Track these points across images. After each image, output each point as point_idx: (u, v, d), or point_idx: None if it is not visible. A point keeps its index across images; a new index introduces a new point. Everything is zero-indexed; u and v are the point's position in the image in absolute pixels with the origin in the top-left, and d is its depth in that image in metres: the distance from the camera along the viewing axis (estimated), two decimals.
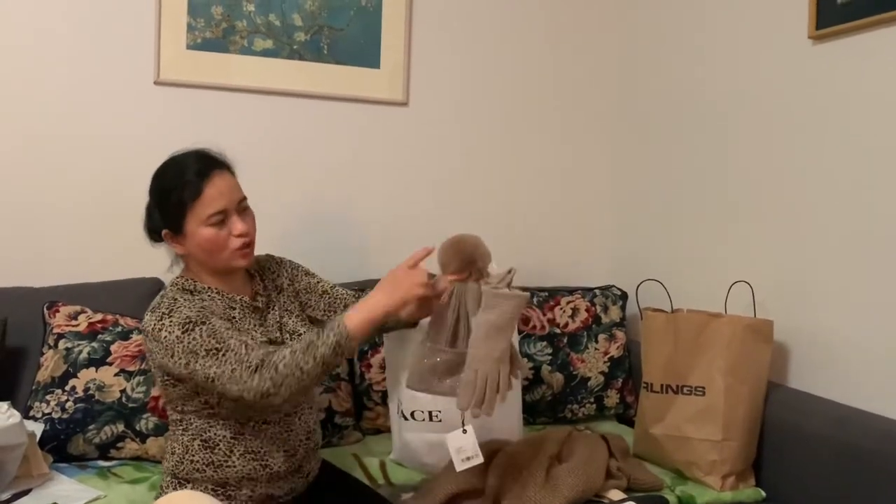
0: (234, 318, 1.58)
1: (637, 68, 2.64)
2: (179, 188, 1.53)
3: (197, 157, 1.58)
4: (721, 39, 2.26)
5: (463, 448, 1.56)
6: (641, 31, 2.61)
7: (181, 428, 1.58)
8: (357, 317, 1.47)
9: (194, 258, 1.59)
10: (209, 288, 1.59)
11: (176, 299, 1.52)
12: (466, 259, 1.61)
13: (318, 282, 1.77)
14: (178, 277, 1.62)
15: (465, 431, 1.56)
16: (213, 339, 1.45)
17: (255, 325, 1.61)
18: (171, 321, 1.47)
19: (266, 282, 1.71)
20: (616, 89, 2.72)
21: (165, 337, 1.47)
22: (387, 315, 1.51)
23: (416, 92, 2.53)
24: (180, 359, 1.46)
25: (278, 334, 1.64)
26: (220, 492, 1.55)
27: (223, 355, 1.44)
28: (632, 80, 2.66)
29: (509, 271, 1.57)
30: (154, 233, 1.62)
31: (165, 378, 1.54)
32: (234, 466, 1.55)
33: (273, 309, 1.67)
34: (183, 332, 1.46)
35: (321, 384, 2.05)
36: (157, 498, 1.61)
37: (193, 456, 1.55)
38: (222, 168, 1.58)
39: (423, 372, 1.61)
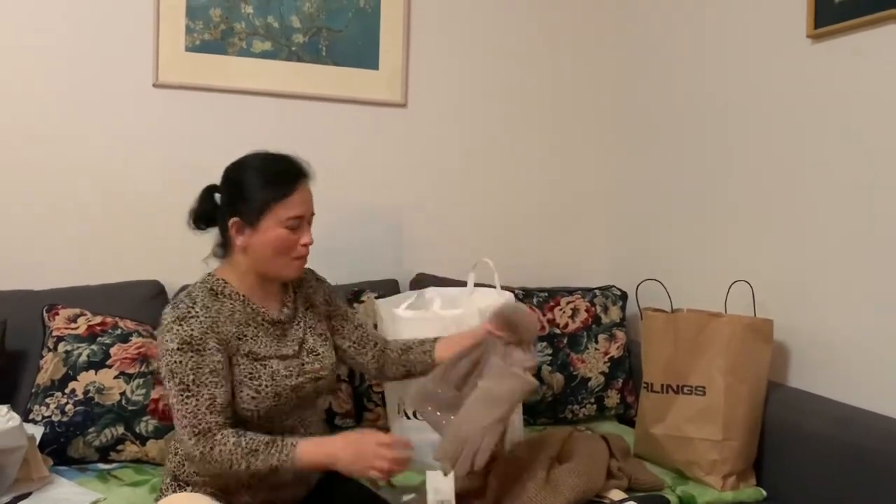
0: (246, 334, 1.55)
1: (635, 68, 2.64)
2: (271, 184, 1.54)
3: (291, 161, 1.60)
4: (720, 39, 2.26)
5: (440, 490, 1.58)
6: (640, 33, 2.61)
7: None
8: (314, 456, 1.48)
9: (250, 255, 1.56)
10: (237, 293, 1.58)
11: (195, 305, 1.51)
12: (513, 325, 1.67)
13: (354, 312, 1.80)
14: (208, 276, 1.61)
15: (445, 475, 1.56)
16: (193, 375, 1.46)
17: (270, 341, 1.59)
18: (178, 329, 1.48)
19: (298, 295, 1.69)
20: (615, 89, 2.72)
21: (165, 341, 1.49)
22: (338, 468, 1.50)
23: (415, 93, 2.53)
24: (163, 367, 1.50)
25: (296, 349, 1.62)
26: (220, 497, 1.54)
27: (187, 399, 1.46)
28: (630, 81, 2.66)
29: (532, 366, 1.63)
30: (205, 219, 1.61)
31: None
32: (237, 473, 1.52)
33: (298, 324, 1.65)
34: (177, 348, 1.47)
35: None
36: (157, 500, 1.61)
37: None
38: (308, 178, 1.60)
39: (423, 395, 1.64)
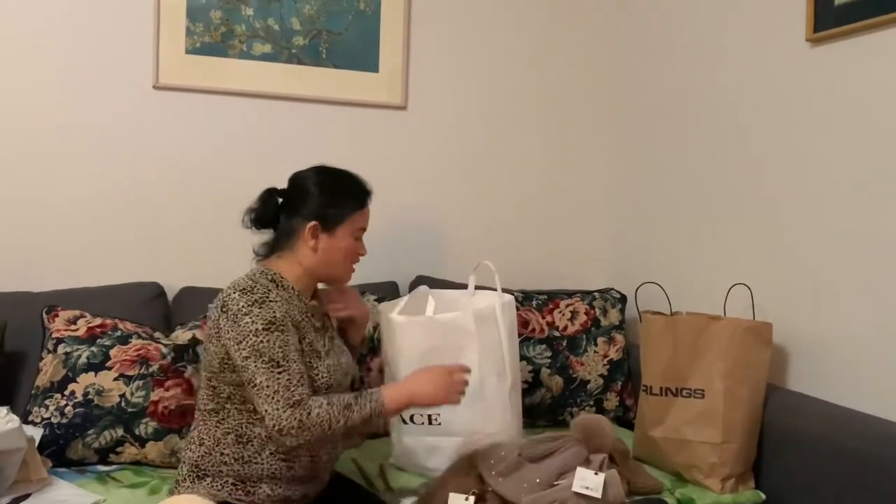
0: (302, 325, 1.59)
1: (635, 72, 2.64)
2: (356, 196, 1.69)
3: (364, 182, 1.73)
4: (719, 42, 2.27)
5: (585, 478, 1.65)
6: (639, 35, 2.62)
7: (216, 419, 1.58)
8: (396, 398, 1.58)
9: (319, 257, 1.64)
10: (293, 288, 1.63)
11: (270, 290, 1.55)
12: (592, 435, 1.77)
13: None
14: (263, 269, 1.62)
15: None
16: (282, 351, 1.50)
17: (319, 336, 1.65)
18: (259, 311, 1.51)
19: (321, 306, 1.76)
20: (615, 93, 2.73)
21: (246, 323, 1.50)
22: (418, 406, 1.66)
23: (415, 95, 2.54)
24: (244, 350, 1.49)
25: (335, 346, 1.69)
26: (239, 487, 1.57)
27: (280, 373, 1.48)
28: (630, 84, 2.67)
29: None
30: (266, 221, 1.67)
31: (225, 360, 1.54)
32: (262, 464, 1.57)
33: (329, 324, 1.74)
34: (263, 328, 1.50)
35: None
36: (170, 491, 1.63)
37: (224, 449, 1.57)
38: None
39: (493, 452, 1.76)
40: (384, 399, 1.55)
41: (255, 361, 1.48)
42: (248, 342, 1.49)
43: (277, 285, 1.59)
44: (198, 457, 1.59)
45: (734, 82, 2.21)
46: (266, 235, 1.69)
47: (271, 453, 1.57)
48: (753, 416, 1.92)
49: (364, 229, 1.70)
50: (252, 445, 1.57)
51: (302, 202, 1.65)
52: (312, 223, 1.62)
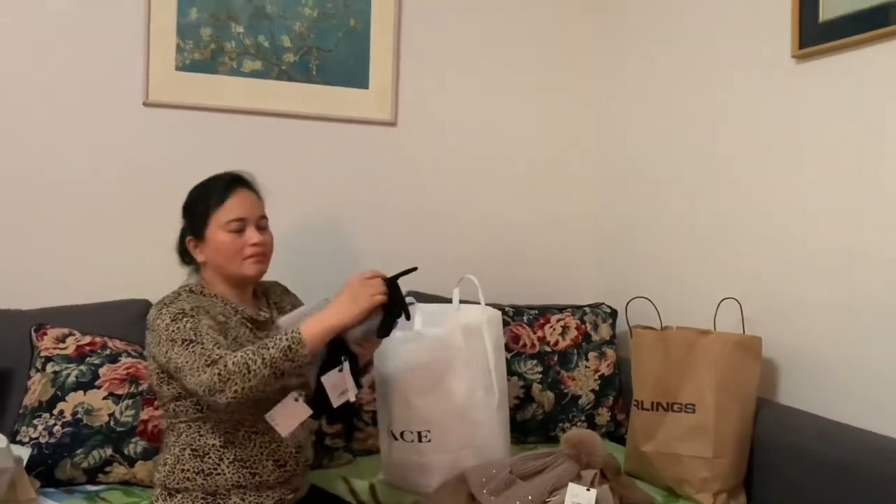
0: (228, 324, 1.64)
1: (621, 86, 2.66)
2: (206, 196, 1.70)
3: (228, 175, 1.74)
4: (705, 57, 2.28)
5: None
6: (626, 50, 2.64)
7: (172, 437, 1.63)
8: (312, 325, 1.50)
9: (211, 265, 1.70)
10: (215, 295, 1.68)
11: (180, 294, 1.65)
12: (580, 447, 1.74)
13: None
14: (188, 282, 1.72)
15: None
16: (193, 331, 1.52)
17: (250, 337, 1.66)
18: (167, 310, 1.57)
19: (269, 302, 1.81)
20: (602, 108, 2.74)
21: (158, 325, 1.56)
22: (344, 326, 1.53)
23: (405, 112, 2.54)
24: (163, 346, 1.54)
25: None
26: (210, 500, 1.58)
27: (193, 346, 1.50)
28: (617, 99, 2.68)
29: None
30: (183, 252, 1.74)
31: (160, 373, 1.61)
32: (224, 474, 1.59)
33: (274, 326, 1.74)
34: (171, 321, 1.54)
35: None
36: None
37: (184, 465, 1.59)
38: (248, 187, 1.73)
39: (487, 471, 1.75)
40: (303, 329, 1.48)
41: (172, 350, 1.52)
42: (163, 338, 1.54)
43: (197, 294, 1.67)
44: (164, 476, 1.62)
45: (720, 98, 2.22)
46: None
47: (231, 462, 1.59)
48: (744, 431, 1.92)
49: (237, 220, 1.67)
50: (210, 457, 1.59)
51: (183, 229, 1.75)
52: (188, 238, 1.72)
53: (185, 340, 1.51)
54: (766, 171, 2.07)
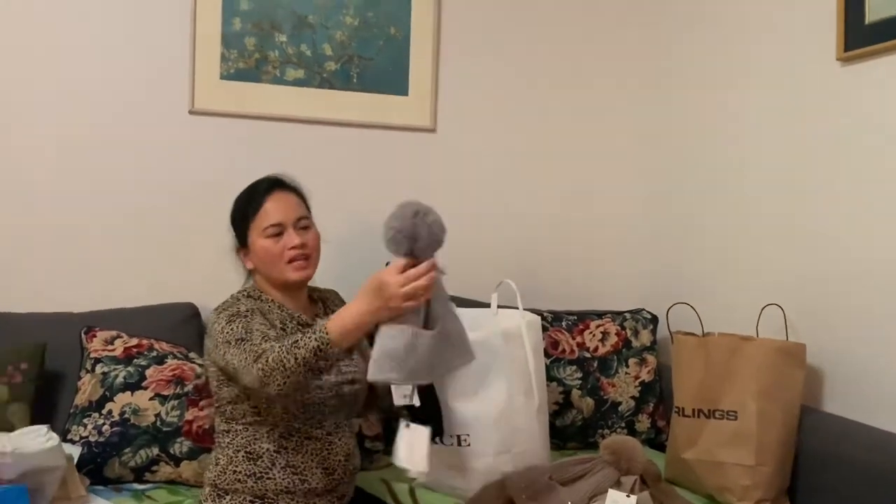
0: (285, 330, 1.66)
1: (665, 91, 2.64)
2: (245, 205, 1.73)
3: (266, 180, 1.76)
4: (750, 61, 2.26)
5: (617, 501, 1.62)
6: (673, 54, 2.62)
7: (227, 439, 1.66)
8: (340, 323, 1.47)
9: (259, 272, 1.73)
10: (272, 300, 1.71)
11: (238, 299, 1.68)
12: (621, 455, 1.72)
13: None
14: (246, 286, 1.76)
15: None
16: (245, 330, 1.54)
17: None
18: (224, 314, 1.60)
19: (326, 309, 1.82)
20: (645, 112, 2.72)
21: (215, 328, 1.59)
22: (372, 321, 1.48)
23: (444, 118, 2.56)
24: (220, 349, 1.56)
25: None
26: (258, 503, 1.60)
27: (244, 345, 1.52)
28: (661, 103, 2.66)
29: None
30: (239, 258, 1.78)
31: (219, 376, 1.64)
32: (274, 479, 1.61)
33: None
34: (227, 323, 1.57)
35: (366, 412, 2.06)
36: None
37: (237, 467, 1.62)
38: (286, 188, 1.75)
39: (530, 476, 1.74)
40: (331, 328, 1.46)
41: (228, 351, 1.54)
42: (220, 340, 1.56)
43: (255, 299, 1.70)
44: (215, 476, 1.65)
45: (765, 101, 2.20)
46: None
47: (282, 468, 1.61)
48: (788, 439, 1.89)
49: (279, 224, 1.68)
50: (262, 461, 1.61)
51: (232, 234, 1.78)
52: (237, 248, 1.75)
53: (238, 339, 1.53)
54: (811, 175, 2.04)
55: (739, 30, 2.31)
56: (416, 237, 1.47)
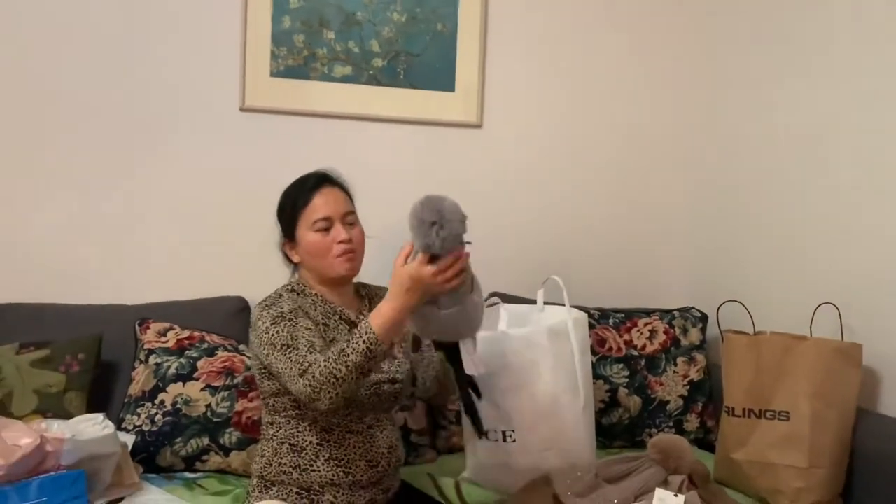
0: (328, 325, 1.68)
1: (718, 86, 2.59)
2: (294, 198, 1.73)
3: (314, 175, 1.76)
4: (806, 54, 2.20)
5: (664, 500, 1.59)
6: (721, 49, 2.57)
7: (272, 431, 1.68)
8: (381, 322, 1.48)
9: (306, 266, 1.73)
10: (315, 294, 1.72)
11: (281, 295, 1.68)
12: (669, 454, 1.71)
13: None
14: (290, 281, 1.77)
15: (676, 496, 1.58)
16: (290, 335, 1.56)
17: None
18: (268, 312, 1.61)
19: (373, 306, 1.77)
20: (695, 107, 2.68)
21: (259, 326, 1.60)
22: (411, 311, 1.50)
23: (490, 114, 2.56)
24: (264, 348, 1.58)
25: None
26: (304, 495, 1.63)
27: (290, 352, 1.54)
28: (712, 97, 2.62)
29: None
30: (286, 253, 1.78)
31: (261, 370, 1.66)
32: (319, 471, 1.63)
33: None
34: (272, 324, 1.58)
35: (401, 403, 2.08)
36: (245, 502, 1.70)
37: (282, 459, 1.64)
38: (333, 184, 1.75)
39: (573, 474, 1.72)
40: (373, 327, 1.48)
41: (272, 354, 1.56)
42: (264, 341, 1.58)
43: (299, 293, 1.71)
44: (261, 468, 1.67)
45: (826, 95, 2.14)
46: None
47: (326, 460, 1.63)
48: (842, 441, 1.85)
49: (328, 218, 1.68)
50: (306, 453, 1.63)
51: (278, 227, 1.77)
52: (284, 241, 1.75)
53: (284, 346, 1.55)
54: (867, 171, 1.99)
55: (795, 27, 2.25)
56: (438, 247, 1.48)
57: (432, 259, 1.47)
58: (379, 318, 1.49)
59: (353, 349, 1.48)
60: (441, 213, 1.48)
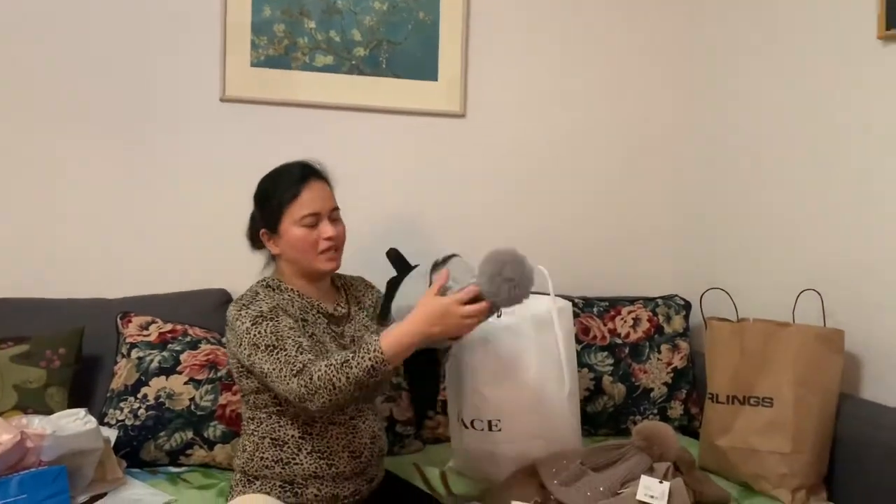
0: (307, 320, 1.66)
1: (700, 73, 2.60)
2: (281, 190, 1.68)
3: (300, 166, 1.73)
4: (789, 42, 2.21)
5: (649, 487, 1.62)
6: (707, 36, 2.58)
7: (252, 426, 1.67)
8: (396, 342, 1.49)
9: (286, 258, 1.71)
10: (292, 289, 1.70)
11: (257, 293, 1.65)
12: (653, 440, 1.74)
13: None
14: (264, 277, 1.74)
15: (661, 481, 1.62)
16: (275, 336, 1.54)
17: (327, 333, 1.68)
18: (246, 312, 1.59)
19: (349, 296, 1.81)
20: (679, 95, 2.68)
21: (238, 326, 1.58)
22: (426, 342, 1.53)
23: (473, 103, 2.55)
24: (245, 349, 1.56)
25: (350, 345, 1.70)
26: (287, 489, 1.62)
27: (277, 353, 1.53)
28: (696, 84, 2.62)
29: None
30: (254, 238, 1.75)
31: (239, 368, 1.64)
32: (302, 464, 1.62)
33: (351, 322, 1.76)
34: (252, 325, 1.56)
35: (382, 394, 2.07)
36: (229, 497, 1.69)
37: (264, 453, 1.64)
38: (320, 177, 1.73)
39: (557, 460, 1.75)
40: (382, 347, 1.48)
41: (256, 354, 1.54)
42: (245, 342, 1.56)
43: (274, 289, 1.68)
44: (243, 462, 1.67)
45: (803, 81, 2.15)
46: None
47: (308, 453, 1.62)
48: (825, 426, 1.86)
49: (315, 214, 1.66)
50: (288, 447, 1.63)
51: (254, 213, 1.75)
52: (262, 231, 1.71)
53: (269, 346, 1.54)
54: (848, 156, 2.00)
55: (779, 9, 2.26)
56: (502, 302, 1.55)
57: (472, 301, 1.51)
58: (391, 338, 1.50)
59: (358, 363, 1.48)
60: (522, 276, 1.54)
